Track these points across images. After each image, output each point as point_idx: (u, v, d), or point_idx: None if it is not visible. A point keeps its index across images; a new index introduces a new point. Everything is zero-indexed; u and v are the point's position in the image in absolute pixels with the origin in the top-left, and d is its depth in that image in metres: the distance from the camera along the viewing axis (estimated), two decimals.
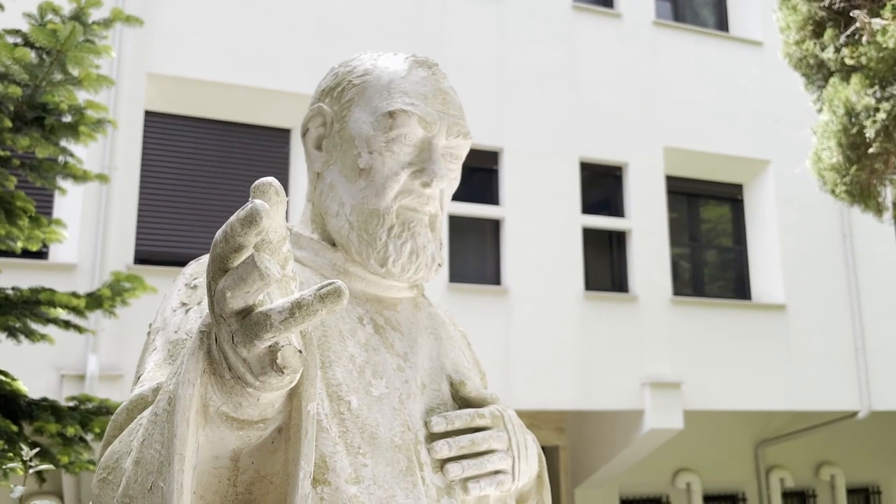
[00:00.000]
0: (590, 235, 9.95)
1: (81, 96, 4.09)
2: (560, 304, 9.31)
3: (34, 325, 4.06)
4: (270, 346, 0.75)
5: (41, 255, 7.45)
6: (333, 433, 1.07)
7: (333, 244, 1.26)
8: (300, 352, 0.77)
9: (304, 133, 1.33)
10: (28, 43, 3.80)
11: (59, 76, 3.69)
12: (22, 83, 3.55)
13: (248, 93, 8.42)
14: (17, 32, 3.92)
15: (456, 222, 9.20)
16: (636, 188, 10.07)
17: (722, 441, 10.97)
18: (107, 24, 4.19)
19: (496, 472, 1.18)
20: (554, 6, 10.09)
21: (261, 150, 8.69)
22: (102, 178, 4.12)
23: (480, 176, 9.71)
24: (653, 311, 9.68)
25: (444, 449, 1.15)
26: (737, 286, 10.85)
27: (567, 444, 10.63)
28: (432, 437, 1.17)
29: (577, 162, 9.81)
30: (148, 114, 8.18)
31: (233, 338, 0.76)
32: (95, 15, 4.23)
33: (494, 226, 9.51)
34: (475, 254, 9.53)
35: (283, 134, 8.78)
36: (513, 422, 1.25)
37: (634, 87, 10.20)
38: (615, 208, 10.25)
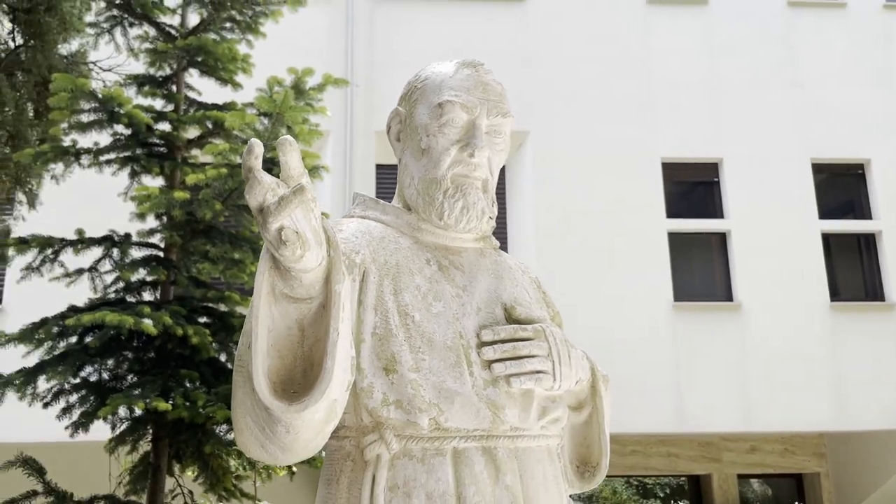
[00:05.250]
0: (832, 241, 9.22)
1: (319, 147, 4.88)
2: (802, 316, 8.71)
3: None
4: (280, 230, 1.12)
5: None
6: (401, 338, 1.44)
7: (410, 209, 1.65)
8: (297, 232, 1.13)
9: (388, 130, 1.74)
10: (259, 111, 4.69)
11: (282, 132, 4.49)
12: None
13: None
14: (251, 105, 4.87)
15: (677, 239, 9.04)
16: (882, 186, 9.19)
17: None
18: (320, 88, 5.00)
19: (537, 372, 1.46)
20: (766, 5, 9.68)
21: None
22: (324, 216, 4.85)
23: (700, 190, 9.48)
24: None
25: (489, 352, 1.47)
26: None
27: (829, 470, 9.75)
28: (483, 346, 1.48)
29: (808, 164, 9.20)
30: (378, 167, 9.17)
31: (262, 228, 1.13)
32: (312, 82, 5.05)
33: (720, 239, 9.19)
34: (701, 270, 9.27)
35: None
36: (554, 336, 1.53)
37: (866, 79, 9.39)
38: (860, 210, 9.41)
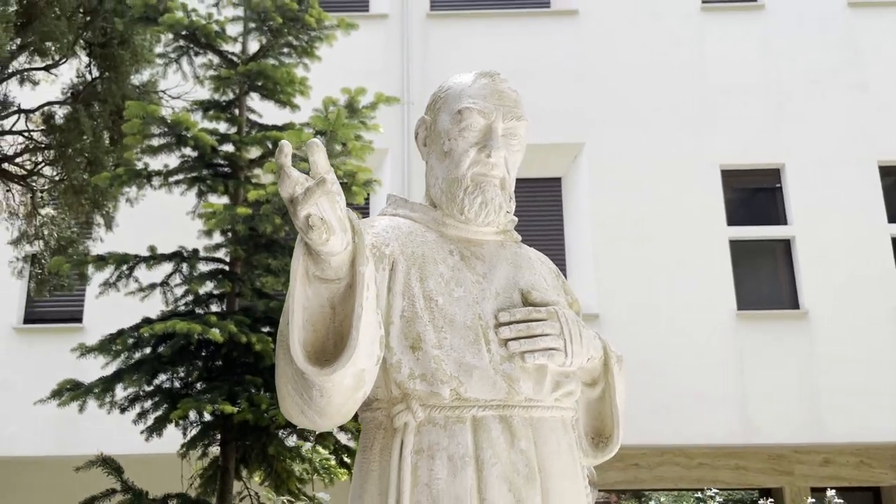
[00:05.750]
0: None
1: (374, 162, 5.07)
2: (872, 322, 8.45)
3: None
4: (307, 217, 1.28)
5: None
6: (425, 319, 1.61)
7: (436, 207, 1.81)
8: (322, 219, 1.29)
9: (416, 136, 1.94)
10: (314, 130, 4.94)
11: (337, 149, 4.72)
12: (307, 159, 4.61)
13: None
14: (307, 125, 5.12)
15: (739, 246, 8.90)
16: None
17: None
18: (372, 106, 5.23)
19: (549, 349, 1.61)
20: (825, 6, 9.51)
21: (536, 199, 9.34)
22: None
23: (762, 196, 9.33)
24: None
25: (505, 332, 1.63)
26: None
27: None
28: (500, 326, 1.64)
29: (875, 166, 8.97)
30: None
31: (292, 216, 1.31)
32: (364, 100, 5.28)
33: (784, 246, 9.02)
34: (766, 277, 9.10)
35: (554, 182, 9.38)
36: (567, 317, 1.68)
37: None
38: None
